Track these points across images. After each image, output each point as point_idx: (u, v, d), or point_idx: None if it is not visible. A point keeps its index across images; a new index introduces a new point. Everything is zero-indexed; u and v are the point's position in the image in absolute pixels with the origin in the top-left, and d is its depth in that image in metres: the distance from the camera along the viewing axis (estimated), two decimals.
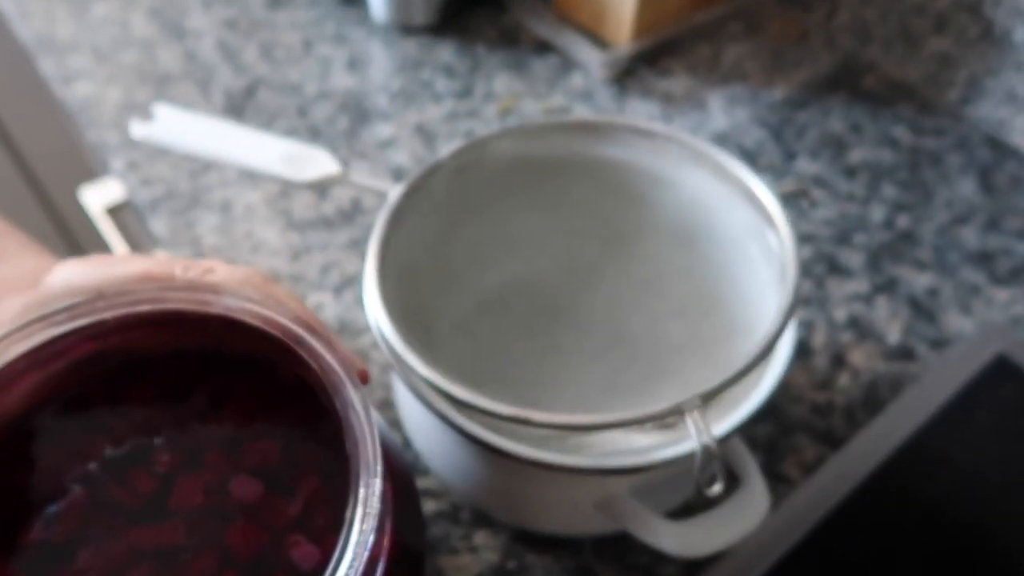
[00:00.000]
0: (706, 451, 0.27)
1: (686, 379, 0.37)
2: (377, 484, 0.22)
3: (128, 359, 0.29)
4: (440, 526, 0.40)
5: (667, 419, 0.28)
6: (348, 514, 0.21)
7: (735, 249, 0.37)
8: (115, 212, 0.65)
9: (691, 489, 0.37)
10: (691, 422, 0.28)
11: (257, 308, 0.26)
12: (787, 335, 0.33)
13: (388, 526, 0.26)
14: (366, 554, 0.21)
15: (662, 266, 0.41)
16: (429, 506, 0.40)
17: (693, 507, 0.38)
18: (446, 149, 0.39)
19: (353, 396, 0.24)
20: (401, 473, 0.30)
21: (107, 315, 0.27)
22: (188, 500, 0.26)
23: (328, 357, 0.25)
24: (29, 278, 0.30)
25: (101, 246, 0.77)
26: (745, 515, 0.32)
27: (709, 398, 0.28)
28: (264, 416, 0.28)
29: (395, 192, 0.37)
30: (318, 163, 0.39)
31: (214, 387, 0.28)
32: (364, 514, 0.21)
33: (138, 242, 0.68)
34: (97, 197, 0.66)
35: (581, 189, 0.41)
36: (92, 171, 0.73)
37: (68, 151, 0.78)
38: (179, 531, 0.26)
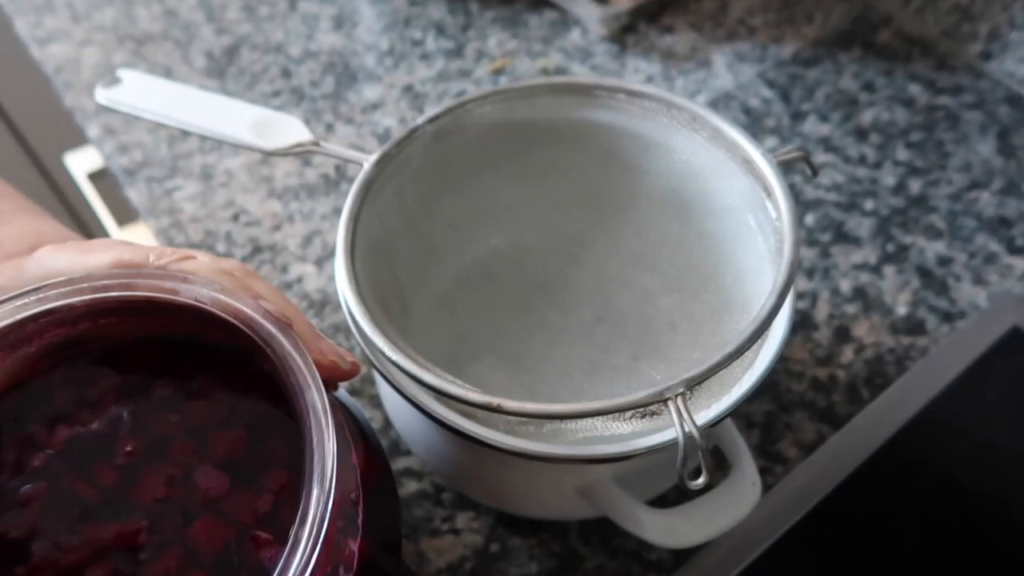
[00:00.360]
0: (689, 441, 0.26)
1: (677, 358, 0.35)
2: (326, 499, 0.20)
3: (97, 346, 0.27)
4: (422, 507, 0.38)
5: (649, 407, 0.26)
6: (293, 531, 0.20)
7: (732, 220, 0.35)
8: (97, 178, 0.63)
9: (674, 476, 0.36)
10: (674, 411, 0.26)
11: (226, 299, 0.24)
12: (783, 314, 0.30)
13: (359, 522, 0.25)
14: (309, 570, 0.19)
15: (654, 238, 0.38)
16: (411, 487, 0.39)
17: (683, 491, 0.36)
18: (423, 115, 0.36)
19: (316, 402, 0.22)
20: (375, 465, 0.28)
21: (74, 300, 0.25)
22: (151, 493, 0.25)
23: (294, 358, 0.23)
24: (28, 239, 0.30)
25: (90, 212, 0.76)
26: (734, 505, 0.31)
27: (693, 384, 0.26)
28: (233, 406, 0.26)
29: (369, 162, 0.35)
30: (289, 131, 0.37)
31: (182, 376, 0.27)
32: (309, 533, 0.20)
33: (120, 210, 0.66)
34: (80, 163, 0.64)
35: (569, 156, 0.38)
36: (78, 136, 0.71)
37: (55, 114, 0.76)
38: (141, 527, 0.24)
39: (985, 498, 0.39)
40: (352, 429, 0.27)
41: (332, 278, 0.46)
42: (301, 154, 0.36)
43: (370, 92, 0.56)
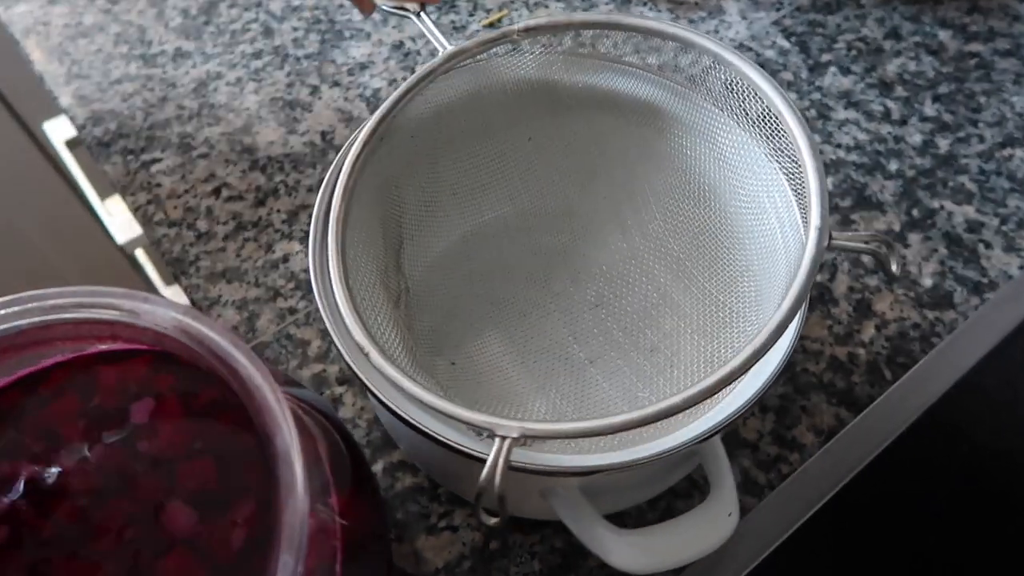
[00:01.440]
0: (488, 482, 0.24)
1: (684, 361, 0.33)
2: (294, 565, 0.18)
3: (53, 371, 0.25)
4: (417, 503, 0.37)
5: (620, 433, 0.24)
6: None
7: (753, 209, 0.31)
8: (74, 146, 0.60)
9: (658, 487, 0.33)
10: (497, 447, 0.24)
11: (190, 322, 0.22)
12: (785, 335, 0.27)
13: (339, 544, 0.23)
14: None
15: (670, 222, 0.35)
16: (405, 481, 0.37)
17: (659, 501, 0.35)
18: (420, 70, 0.33)
19: (287, 446, 0.20)
20: (357, 503, 0.26)
21: (24, 322, 0.23)
22: (115, 530, 0.23)
23: (265, 398, 0.21)
24: None
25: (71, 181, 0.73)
26: (703, 536, 0.28)
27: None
28: (200, 431, 0.24)
29: (444, 53, 0.32)
30: None
31: (147, 399, 0.25)
32: None
33: (100, 182, 0.63)
34: (57, 130, 0.61)
35: (582, 123, 0.35)
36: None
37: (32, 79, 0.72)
38: (106, 568, 0.22)
39: (1020, 489, 0.37)
40: (331, 453, 0.25)
41: None
42: (400, 15, 0.34)
43: (357, 51, 0.52)
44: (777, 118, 0.27)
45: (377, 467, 0.37)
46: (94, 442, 0.24)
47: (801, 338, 0.41)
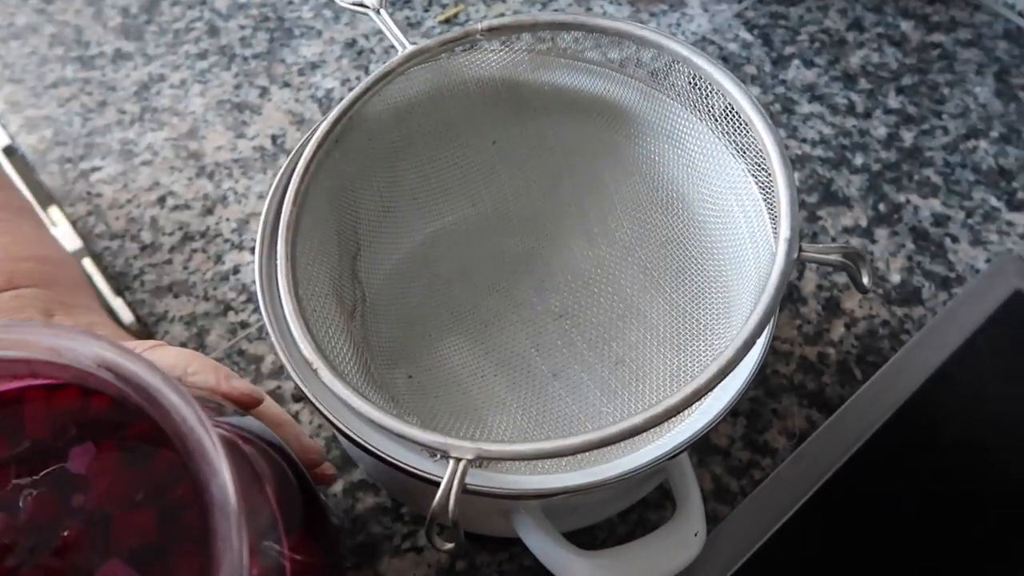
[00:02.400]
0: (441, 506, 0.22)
1: (651, 374, 0.31)
2: None
3: None
4: (380, 523, 0.35)
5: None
6: None
7: (720, 213, 0.30)
8: (11, 154, 0.57)
9: (626, 501, 0.32)
10: (451, 468, 0.23)
11: (115, 358, 0.20)
12: (754, 349, 0.26)
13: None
14: None
15: (636, 228, 0.34)
16: (367, 501, 0.35)
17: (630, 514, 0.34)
18: (378, 70, 0.32)
19: (229, 509, 0.18)
20: (311, 513, 0.25)
21: None
22: None
23: (200, 441, 0.19)
24: None
25: None
26: (668, 556, 0.27)
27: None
28: (139, 479, 0.22)
29: (405, 52, 0.30)
30: None
31: (87, 444, 0.23)
32: None
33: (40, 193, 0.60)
34: None
35: (547, 125, 0.34)
36: None
37: None
38: None
39: (993, 483, 0.36)
40: (278, 488, 0.23)
41: None
42: (358, 12, 0.32)
43: (308, 50, 0.50)
44: (747, 124, 0.26)
45: (337, 487, 0.36)
46: (24, 494, 0.22)
47: (772, 339, 0.40)
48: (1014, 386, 0.38)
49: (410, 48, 0.31)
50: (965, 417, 0.38)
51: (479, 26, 0.30)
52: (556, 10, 0.52)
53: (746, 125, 0.26)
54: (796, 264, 0.25)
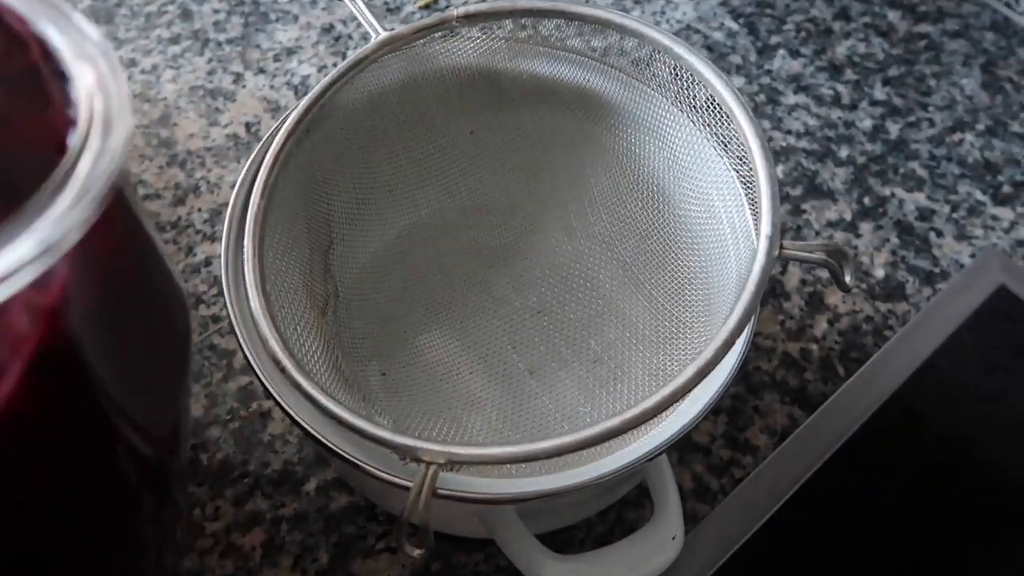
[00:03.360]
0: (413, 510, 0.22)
1: (629, 373, 0.31)
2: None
3: None
4: (354, 523, 0.34)
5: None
6: None
7: (703, 209, 0.29)
8: None
9: (604, 502, 0.32)
10: (422, 471, 0.22)
11: None
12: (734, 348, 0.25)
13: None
14: None
15: (618, 223, 0.33)
16: (341, 501, 0.35)
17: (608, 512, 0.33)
18: (350, 57, 0.31)
19: None
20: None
21: None
22: None
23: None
24: None
25: None
26: (649, 558, 0.26)
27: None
28: None
29: (377, 39, 0.29)
30: None
31: None
32: None
33: None
34: None
35: (526, 116, 0.33)
36: None
37: None
38: None
39: (978, 479, 0.36)
40: None
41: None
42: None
43: (284, 35, 0.49)
44: (728, 116, 0.25)
45: (310, 486, 0.35)
46: None
47: (753, 334, 0.39)
48: (999, 381, 0.38)
49: (384, 35, 0.30)
50: (949, 413, 0.37)
51: (455, 12, 0.30)
52: None
53: (727, 117, 0.25)
54: (778, 261, 0.24)
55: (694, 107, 0.28)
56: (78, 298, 0.15)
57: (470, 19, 0.30)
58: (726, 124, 0.26)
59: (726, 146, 0.27)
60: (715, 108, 0.27)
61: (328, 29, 0.49)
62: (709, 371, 0.23)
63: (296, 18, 0.50)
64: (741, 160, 0.26)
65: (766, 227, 0.23)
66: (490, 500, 0.24)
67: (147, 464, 0.20)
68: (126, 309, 0.19)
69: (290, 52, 0.48)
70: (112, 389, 0.18)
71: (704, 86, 0.27)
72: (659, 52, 0.28)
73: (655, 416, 0.23)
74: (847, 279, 0.24)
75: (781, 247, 0.23)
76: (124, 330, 0.18)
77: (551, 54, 0.33)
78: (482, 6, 0.30)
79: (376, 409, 0.30)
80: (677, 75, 0.29)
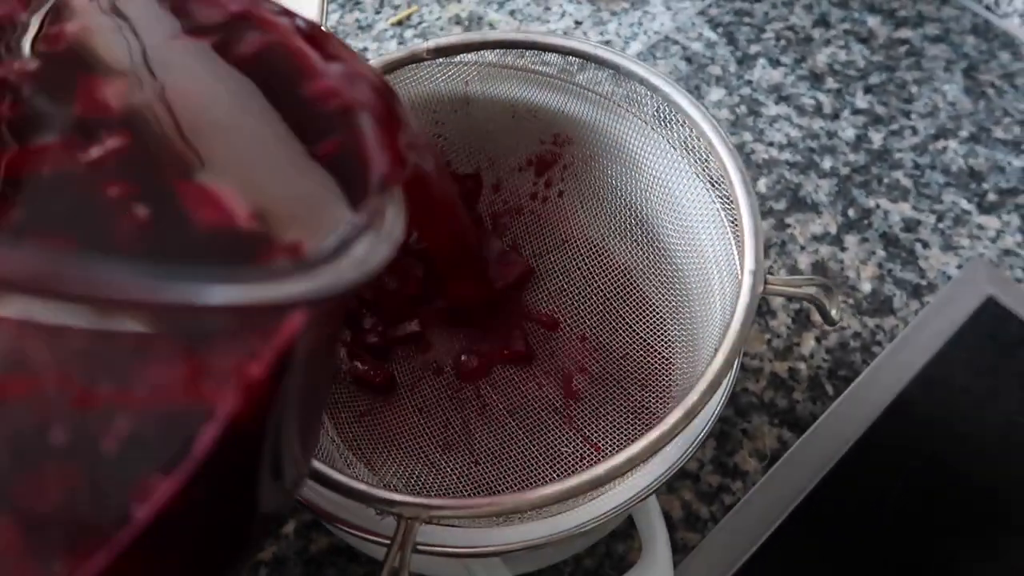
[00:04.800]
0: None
1: (612, 411, 0.30)
2: None
3: None
4: (334, 565, 0.33)
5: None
6: None
7: (686, 241, 0.29)
8: None
9: (591, 540, 0.31)
10: (401, 530, 0.21)
11: None
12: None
13: None
14: None
15: (596, 256, 0.32)
16: (321, 543, 0.34)
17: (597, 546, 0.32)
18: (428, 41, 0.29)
19: None
20: None
21: None
22: None
23: None
24: None
25: None
26: None
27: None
28: None
29: None
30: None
31: None
32: None
33: None
34: None
35: (501, 142, 0.32)
36: None
37: None
38: None
39: (972, 497, 0.35)
40: None
41: None
42: None
43: None
44: (708, 150, 0.24)
45: (288, 528, 0.34)
46: None
47: (738, 371, 0.39)
48: (990, 395, 0.37)
49: None
50: (941, 430, 0.37)
51: (424, 46, 0.29)
52: (513, 11, 0.50)
53: (708, 150, 0.25)
54: (760, 296, 0.23)
55: (674, 136, 0.28)
56: (284, 378, 0.14)
57: (440, 52, 0.29)
58: (706, 158, 0.25)
59: (711, 181, 0.26)
60: (694, 140, 0.26)
61: None
62: (696, 413, 0.22)
63: None
64: (722, 193, 0.25)
65: (750, 262, 0.23)
66: (474, 554, 0.23)
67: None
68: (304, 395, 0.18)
69: None
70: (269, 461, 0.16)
71: (683, 118, 0.26)
72: (637, 83, 0.27)
73: (642, 462, 0.22)
74: (833, 313, 0.23)
75: (765, 283, 0.22)
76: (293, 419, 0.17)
77: (526, 77, 0.32)
78: (452, 38, 0.29)
79: (350, 449, 0.29)
80: (657, 108, 0.28)
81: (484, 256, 0.29)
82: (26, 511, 0.11)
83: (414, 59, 0.29)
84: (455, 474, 0.28)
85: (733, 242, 0.25)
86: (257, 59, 0.16)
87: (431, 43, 0.28)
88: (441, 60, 0.30)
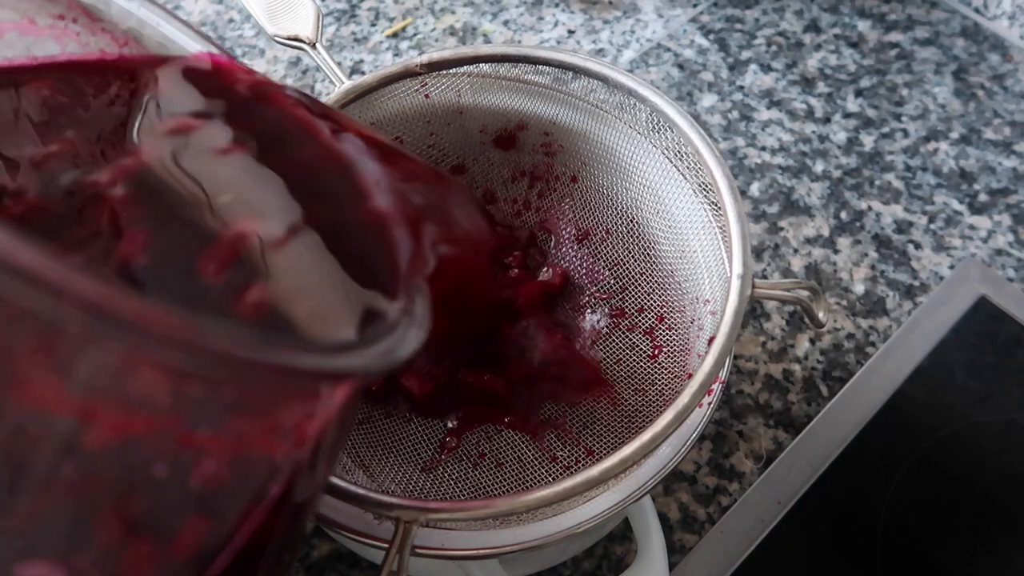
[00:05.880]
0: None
1: (606, 416, 0.30)
2: None
3: None
4: (336, 571, 0.34)
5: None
6: None
7: (676, 246, 0.29)
8: None
9: (588, 541, 0.31)
10: (400, 533, 0.21)
11: None
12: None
13: None
14: None
15: (602, 265, 0.33)
16: (323, 549, 0.34)
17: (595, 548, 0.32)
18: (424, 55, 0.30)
19: None
20: None
21: None
22: None
23: None
24: None
25: None
26: None
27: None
28: None
29: (342, 88, 0.29)
30: (298, 18, 0.31)
31: None
32: None
33: None
34: None
35: (493, 154, 0.33)
36: None
37: None
38: None
39: (966, 495, 0.36)
40: None
41: None
42: (295, 49, 0.31)
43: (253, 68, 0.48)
44: (697, 157, 0.25)
45: None
46: None
47: (735, 357, 0.39)
48: (983, 394, 0.38)
49: (347, 84, 0.29)
50: (934, 429, 0.37)
51: (418, 61, 0.29)
52: (507, 21, 0.51)
53: (696, 158, 0.25)
54: (750, 302, 0.24)
55: (664, 143, 0.28)
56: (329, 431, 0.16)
57: (433, 66, 0.29)
58: (696, 168, 0.26)
59: (700, 186, 0.27)
60: (683, 151, 0.26)
61: (295, 62, 0.49)
62: (687, 414, 0.23)
63: (263, 52, 0.49)
64: (711, 200, 0.26)
65: (738, 267, 0.23)
66: (472, 556, 0.24)
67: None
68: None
69: None
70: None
71: (672, 127, 0.26)
72: (627, 95, 0.28)
73: (635, 463, 0.22)
74: (820, 315, 0.23)
75: (753, 287, 0.23)
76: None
77: (518, 88, 0.32)
78: (445, 53, 0.29)
79: (353, 455, 0.29)
80: (648, 116, 0.28)
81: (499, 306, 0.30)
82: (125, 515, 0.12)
83: (408, 73, 0.29)
84: (452, 479, 0.29)
85: (723, 247, 0.26)
86: (306, 168, 0.18)
87: (424, 57, 0.29)
88: (435, 73, 0.31)
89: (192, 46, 0.21)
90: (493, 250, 0.27)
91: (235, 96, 0.20)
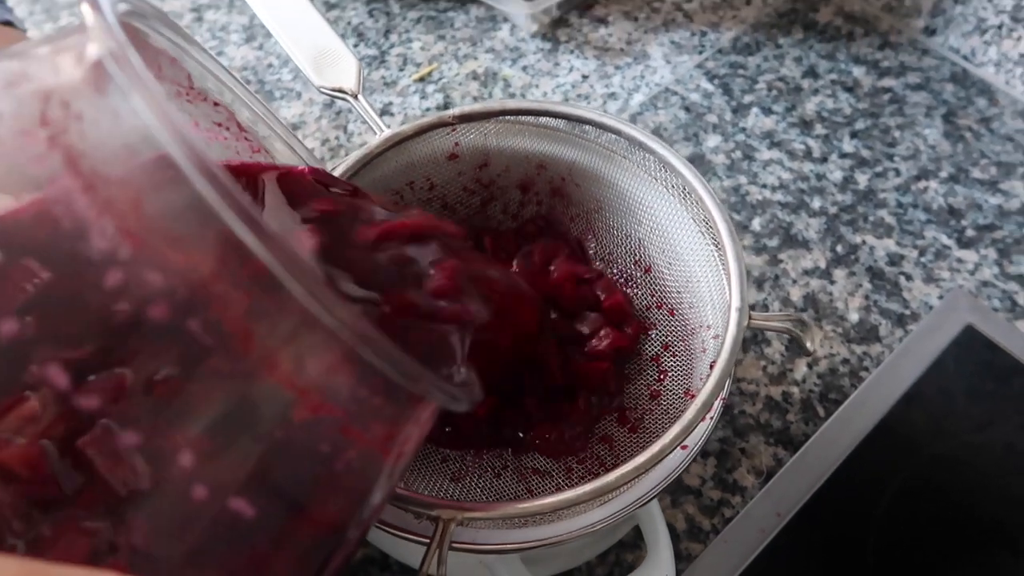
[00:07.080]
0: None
1: (617, 431, 0.33)
2: None
3: None
4: (368, 575, 0.37)
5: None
6: None
7: (682, 280, 0.32)
8: None
9: (603, 545, 0.34)
10: (439, 533, 0.25)
11: None
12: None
13: None
14: None
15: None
16: (356, 553, 0.37)
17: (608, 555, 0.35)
18: (355, 156, 0.34)
19: None
20: None
21: None
22: None
23: None
24: None
25: None
26: None
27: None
28: None
29: (382, 136, 0.33)
30: (341, 70, 0.35)
31: None
32: None
33: None
34: None
35: (512, 195, 0.36)
36: None
37: None
38: None
39: (953, 514, 0.38)
40: None
41: None
42: (337, 98, 0.34)
43: (288, 111, 0.52)
44: (698, 202, 0.28)
45: None
46: None
47: (737, 380, 0.42)
48: (970, 417, 0.41)
49: (387, 133, 0.33)
50: (924, 448, 0.40)
51: (451, 113, 0.33)
52: (526, 67, 0.54)
53: (698, 204, 0.28)
54: (745, 329, 0.27)
55: (672, 185, 0.31)
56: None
57: (464, 118, 0.33)
58: (697, 207, 0.29)
59: (704, 224, 0.30)
60: (687, 193, 0.30)
61: (329, 104, 0.52)
62: (692, 428, 0.26)
63: (299, 95, 0.53)
64: (712, 240, 0.29)
65: (736, 300, 0.26)
66: (500, 550, 0.27)
67: None
68: None
69: (295, 127, 0.51)
70: None
71: (674, 172, 0.30)
72: (634, 146, 0.31)
73: (646, 471, 0.25)
74: (808, 345, 0.26)
75: (750, 318, 0.26)
76: None
77: (538, 132, 0.36)
78: (475, 107, 0.33)
79: None
80: (656, 162, 0.32)
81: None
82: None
83: (442, 123, 0.33)
84: (478, 488, 0.32)
85: (725, 280, 0.29)
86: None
87: (456, 111, 0.33)
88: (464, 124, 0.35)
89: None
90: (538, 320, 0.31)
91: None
